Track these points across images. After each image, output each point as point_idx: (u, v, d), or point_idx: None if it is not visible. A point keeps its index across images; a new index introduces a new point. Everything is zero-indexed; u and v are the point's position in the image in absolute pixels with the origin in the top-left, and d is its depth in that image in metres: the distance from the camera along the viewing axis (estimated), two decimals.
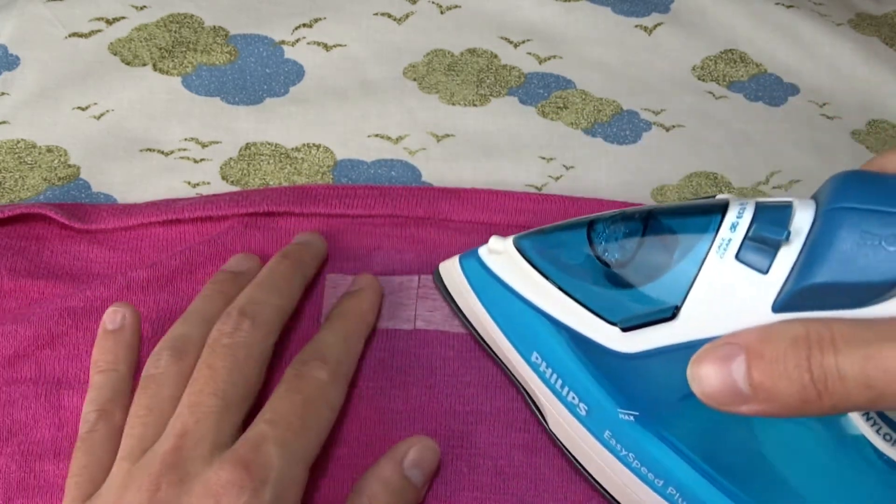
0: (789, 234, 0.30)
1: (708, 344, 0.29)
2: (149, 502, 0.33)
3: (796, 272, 0.30)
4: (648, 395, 0.36)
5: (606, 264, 0.35)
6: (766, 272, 0.31)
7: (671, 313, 0.33)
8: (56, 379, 0.41)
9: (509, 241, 0.38)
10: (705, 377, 0.28)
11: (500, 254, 0.38)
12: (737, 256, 0.31)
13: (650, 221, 0.35)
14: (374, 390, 0.41)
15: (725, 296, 0.32)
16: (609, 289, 0.35)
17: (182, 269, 0.43)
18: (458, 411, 0.40)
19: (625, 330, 0.34)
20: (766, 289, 0.31)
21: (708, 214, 0.33)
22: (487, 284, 0.39)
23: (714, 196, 0.35)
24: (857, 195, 0.29)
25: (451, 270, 0.40)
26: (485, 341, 0.40)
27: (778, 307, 0.30)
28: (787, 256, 0.30)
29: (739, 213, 0.32)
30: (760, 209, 0.32)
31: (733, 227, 0.32)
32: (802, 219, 0.31)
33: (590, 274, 0.36)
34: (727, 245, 0.32)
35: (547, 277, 0.37)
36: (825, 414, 0.27)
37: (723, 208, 0.33)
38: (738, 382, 0.27)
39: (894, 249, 0.28)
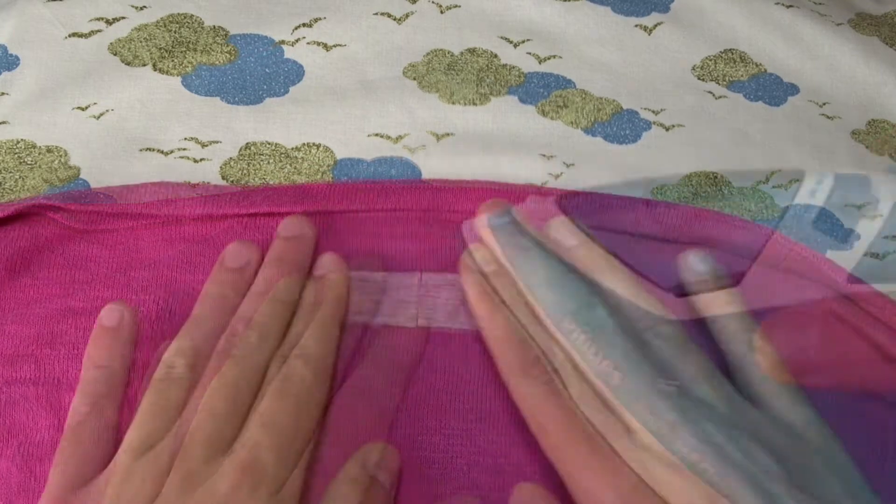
0: None
1: None
2: (152, 497, 0.34)
3: None
4: None
5: None
6: None
7: None
8: (56, 379, 0.41)
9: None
10: None
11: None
12: None
13: None
14: (374, 388, 0.41)
15: None
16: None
17: (182, 269, 0.43)
18: (459, 409, 0.40)
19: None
20: None
21: None
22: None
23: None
24: None
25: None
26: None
27: None
28: None
29: None
30: None
31: None
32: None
33: None
34: None
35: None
36: None
37: None
38: None
39: None
